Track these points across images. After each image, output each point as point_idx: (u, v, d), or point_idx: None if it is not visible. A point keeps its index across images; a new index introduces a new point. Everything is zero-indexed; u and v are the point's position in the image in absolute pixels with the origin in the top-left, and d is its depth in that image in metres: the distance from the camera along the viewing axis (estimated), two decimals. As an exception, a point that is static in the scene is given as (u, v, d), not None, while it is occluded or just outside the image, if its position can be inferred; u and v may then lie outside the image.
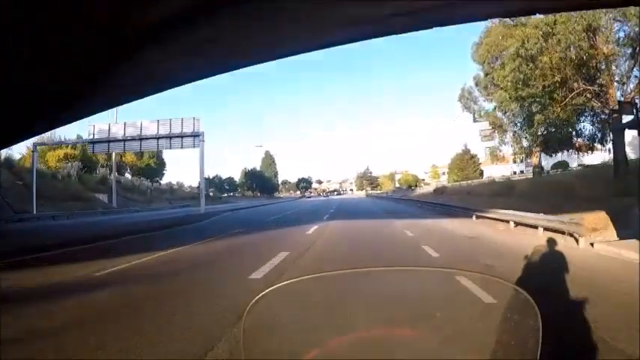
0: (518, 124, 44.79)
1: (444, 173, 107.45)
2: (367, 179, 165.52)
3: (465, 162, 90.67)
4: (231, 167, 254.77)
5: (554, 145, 45.57)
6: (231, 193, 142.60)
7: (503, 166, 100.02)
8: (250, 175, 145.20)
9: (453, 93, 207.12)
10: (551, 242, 11.86)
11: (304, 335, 1.51)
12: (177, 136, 39.85)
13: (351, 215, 31.04)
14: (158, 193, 75.56)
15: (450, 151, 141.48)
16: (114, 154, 55.96)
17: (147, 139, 40.95)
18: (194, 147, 39.96)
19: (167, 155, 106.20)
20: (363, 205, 48.04)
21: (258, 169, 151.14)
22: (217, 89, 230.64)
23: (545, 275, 8.50)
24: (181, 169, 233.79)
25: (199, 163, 40.13)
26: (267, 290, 1.36)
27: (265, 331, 1.46)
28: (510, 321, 1.39)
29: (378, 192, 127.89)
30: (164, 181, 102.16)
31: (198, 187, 45.34)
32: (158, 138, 40.47)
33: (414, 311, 1.55)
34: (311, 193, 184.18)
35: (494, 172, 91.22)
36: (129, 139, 41.38)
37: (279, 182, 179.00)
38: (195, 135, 39.25)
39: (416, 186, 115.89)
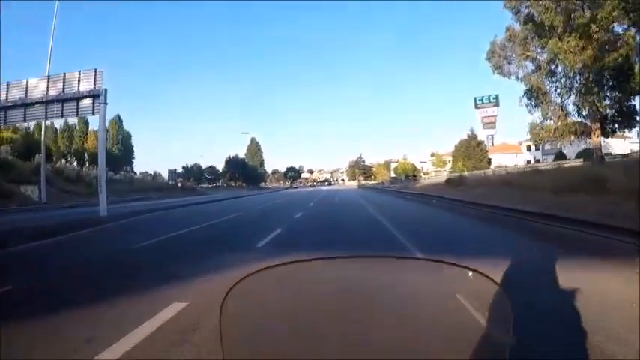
0: (578, 85, 30.98)
1: (447, 162, 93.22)
2: (360, 168, 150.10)
3: (472, 149, 77.26)
4: (218, 156, 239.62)
5: (625, 120, 31.96)
6: (213, 184, 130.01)
7: (513, 155, 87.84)
8: (232, 164, 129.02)
9: (455, 74, 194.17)
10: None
11: (284, 322, 1.44)
12: (71, 99, 25.22)
13: (329, 232, 14.83)
14: (112, 185, 61.25)
15: (453, 139, 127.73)
16: (44, 127, 42.47)
17: (32, 104, 26.36)
18: (93, 113, 25.25)
19: (139, 140, 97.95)
20: (354, 201, 32.56)
21: (243, 157, 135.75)
22: (204, 73, 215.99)
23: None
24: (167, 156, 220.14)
25: (99, 135, 25.54)
26: (247, 275, 1.32)
27: (244, 316, 1.38)
28: (486, 317, 1.37)
29: (373, 183, 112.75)
30: (139, 169, 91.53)
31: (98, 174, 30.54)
32: (46, 102, 25.86)
33: (391, 300, 1.50)
34: (300, 183, 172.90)
35: (503, 161, 78.56)
36: (10, 106, 26.85)
37: (267, 172, 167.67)
38: (94, 95, 24.45)
39: (414, 176, 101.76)
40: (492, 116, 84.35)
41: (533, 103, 34.64)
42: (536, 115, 34.76)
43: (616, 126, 32.04)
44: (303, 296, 1.49)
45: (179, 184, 77.02)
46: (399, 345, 1.31)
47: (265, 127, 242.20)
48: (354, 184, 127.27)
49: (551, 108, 33.24)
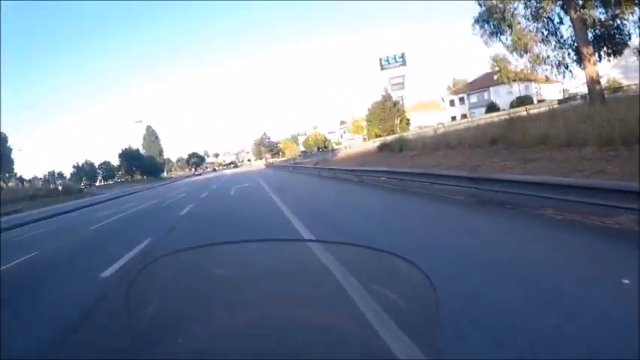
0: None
1: (363, 127, 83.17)
2: (266, 146, 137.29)
3: (388, 110, 68.03)
4: (112, 150, 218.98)
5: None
6: (110, 180, 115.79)
7: (435, 113, 79.61)
8: (127, 157, 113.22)
9: (358, 37, 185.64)
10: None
11: (189, 308, 1.45)
12: None
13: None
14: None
15: (362, 105, 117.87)
16: None
17: None
18: None
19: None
20: (257, 194, 21.22)
21: (139, 148, 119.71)
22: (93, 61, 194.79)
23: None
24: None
25: None
26: (152, 261, 1.38)
27: (149, 302, 1.41)
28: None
29: (282, 159, 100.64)
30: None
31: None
32: None
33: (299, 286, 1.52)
34: (206, 168, 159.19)
35: (423, 120, 69.95)
36: None
37: (171, 160, 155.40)
38: None
39: (325, 147, 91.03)
40: (400, 76, 76.58)
41: (492, 28, 24.81)
42: (497, 47, 25.24)
43: (607, 49, 23.03)
44: (204, 279, 1.50)
45: (59, 187, 62.57)
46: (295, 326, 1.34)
47: (163, 115, 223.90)
48: (261, 163, 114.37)
49: (525, 31, 23.46)
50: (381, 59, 79.05)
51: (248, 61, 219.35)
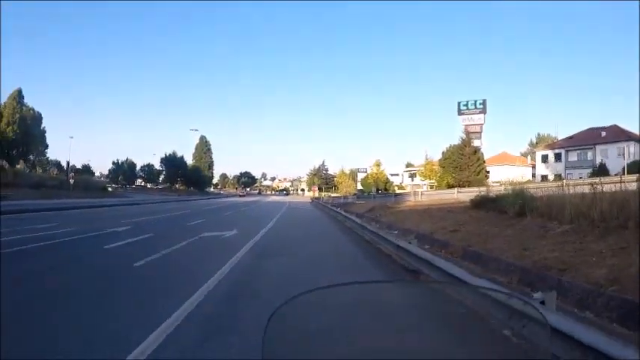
0: None
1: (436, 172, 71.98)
2: (322, 178, 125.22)
3: (466, 158, 56.96)
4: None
5: None
6: (155, 185, 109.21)
7: (518, 168, 68.86)
8: (170, 163, 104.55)
9: (437, 77, 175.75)
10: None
11: (321, 344, 1.47)
12: None
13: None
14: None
15: (429, 151, 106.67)
16: None
17: None
18: None
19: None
20: None
21: (190, 157, 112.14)
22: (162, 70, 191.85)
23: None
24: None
25: None
26: (287, 300, 1.33)
27: (286, 340, 1.35)
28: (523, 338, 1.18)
29: (334, 195, 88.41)
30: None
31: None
32: None
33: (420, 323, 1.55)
34: (257, 190, 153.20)
35: (505, 174, 59.11)
36: None
37: (222, 175, 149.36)
38: None
39: (386, 190, 79.96)
40: (478, 124, 66.55)
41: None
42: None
43: None
44: (340, 319, 1.51)
45: (71, 181, 55.48)
46: None
47: (224, 129, 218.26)
48: (311, 195, 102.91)
49: None
50: (459, 103, 69.21)
51: (319, 91, 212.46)
